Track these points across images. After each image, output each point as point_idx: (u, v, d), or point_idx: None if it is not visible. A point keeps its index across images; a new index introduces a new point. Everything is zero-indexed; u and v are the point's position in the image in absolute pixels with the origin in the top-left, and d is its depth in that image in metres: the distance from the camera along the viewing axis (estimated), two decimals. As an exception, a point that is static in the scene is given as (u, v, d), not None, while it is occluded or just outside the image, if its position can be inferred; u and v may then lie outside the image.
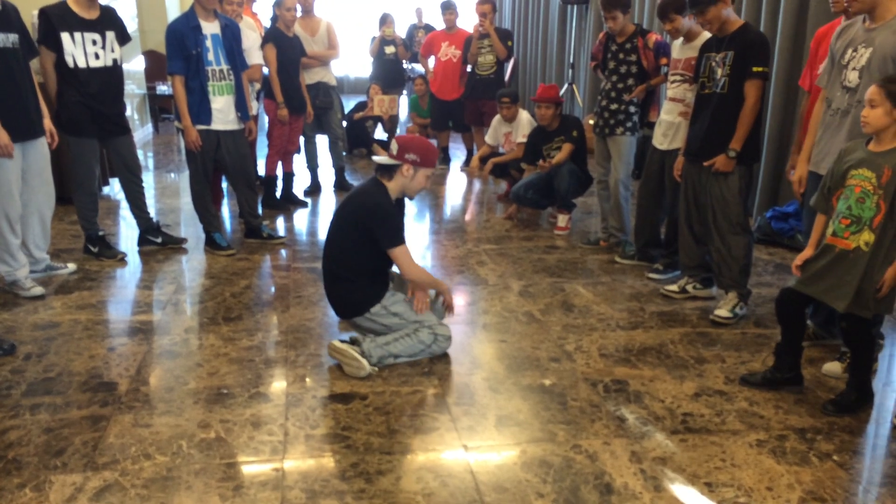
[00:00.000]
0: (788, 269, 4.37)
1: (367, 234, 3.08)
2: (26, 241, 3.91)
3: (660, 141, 4.13)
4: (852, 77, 2.89)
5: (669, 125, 4.06)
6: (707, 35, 3.91)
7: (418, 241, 4.98)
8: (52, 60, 4.02)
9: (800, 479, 2.35)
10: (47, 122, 3.86)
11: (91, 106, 4.11)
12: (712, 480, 2.33)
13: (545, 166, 5.14)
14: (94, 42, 4.07)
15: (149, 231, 4.63)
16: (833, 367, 3.05)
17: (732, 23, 3.48)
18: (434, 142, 8.26)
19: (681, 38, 4.02)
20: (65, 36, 3.97)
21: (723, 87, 3.48)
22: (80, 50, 4.03)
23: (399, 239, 3.11)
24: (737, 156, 3.46)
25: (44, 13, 3.97)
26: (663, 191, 4.18)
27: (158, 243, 4.63)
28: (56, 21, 3.95)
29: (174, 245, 4.66)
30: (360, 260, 3.15)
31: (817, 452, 2.50)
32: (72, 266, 4.19)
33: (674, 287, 3.95)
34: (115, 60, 4.19)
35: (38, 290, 3.80)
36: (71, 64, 4.02)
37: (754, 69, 3.39)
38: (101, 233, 4.46)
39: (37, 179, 3.83)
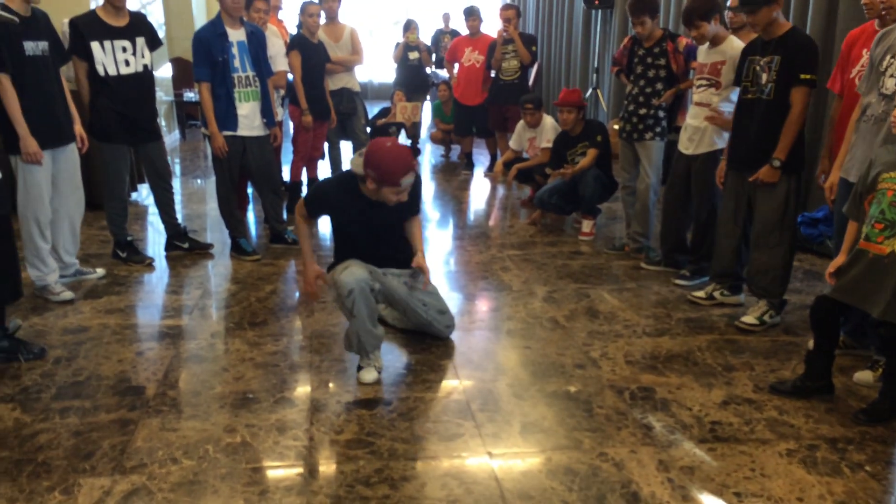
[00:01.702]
0: (818, 275, 4.31)
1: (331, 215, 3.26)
2: (56, 247, 3.96)
3: (685, 146, 4.09)
4: (890, 84, 2.81)
5: (695, 130, 4.02)
6: (734, 39, 3.89)
7: (442, 247, 4.98)
8: (84, 70, 4.07)
9: (831, 489, 2.30)
10: (78, 127, 3.92)
11: (123, 113, 4.16)
12: (741, 490, 2.30)
13: (568, 173, 5.12)
14: (125, 49, 4.12)
15: (176, 236, 4.68)
16: (864, 375, 2.99)
17: (780, 25, 3.33)
18: (457, 147, 8.28)
19: (706, 43, 3.99)
20: (94, 45, 4.02)
21: (769, 94, 3.35)
22: (109, 58, 4.08)
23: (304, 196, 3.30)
24: (781, 165, 3.35)
25: (73, 24, 4.03)
26: (689, 196, 4.14)
27: (185, 248, 4.68)
28: (85, 31, 4.01)
29: (201, 250, 4.71)
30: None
31: (849, 463, 2.45)
32: (101, 271, 4.24)
33: (701, 293, 3.90)
34: (145, 66, 4.23)
35: (68, 294, 3.85)
36: (102, 72, 4.06)
37: (802, 76, 3.25)
38: (129, 238, 4.52)
39: (67, 185, 3.88)
